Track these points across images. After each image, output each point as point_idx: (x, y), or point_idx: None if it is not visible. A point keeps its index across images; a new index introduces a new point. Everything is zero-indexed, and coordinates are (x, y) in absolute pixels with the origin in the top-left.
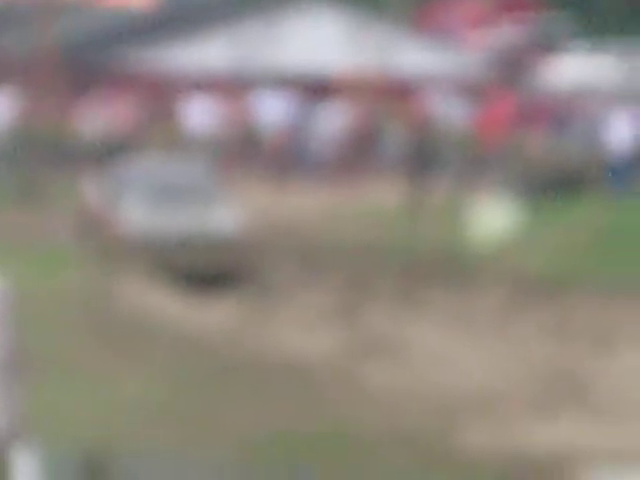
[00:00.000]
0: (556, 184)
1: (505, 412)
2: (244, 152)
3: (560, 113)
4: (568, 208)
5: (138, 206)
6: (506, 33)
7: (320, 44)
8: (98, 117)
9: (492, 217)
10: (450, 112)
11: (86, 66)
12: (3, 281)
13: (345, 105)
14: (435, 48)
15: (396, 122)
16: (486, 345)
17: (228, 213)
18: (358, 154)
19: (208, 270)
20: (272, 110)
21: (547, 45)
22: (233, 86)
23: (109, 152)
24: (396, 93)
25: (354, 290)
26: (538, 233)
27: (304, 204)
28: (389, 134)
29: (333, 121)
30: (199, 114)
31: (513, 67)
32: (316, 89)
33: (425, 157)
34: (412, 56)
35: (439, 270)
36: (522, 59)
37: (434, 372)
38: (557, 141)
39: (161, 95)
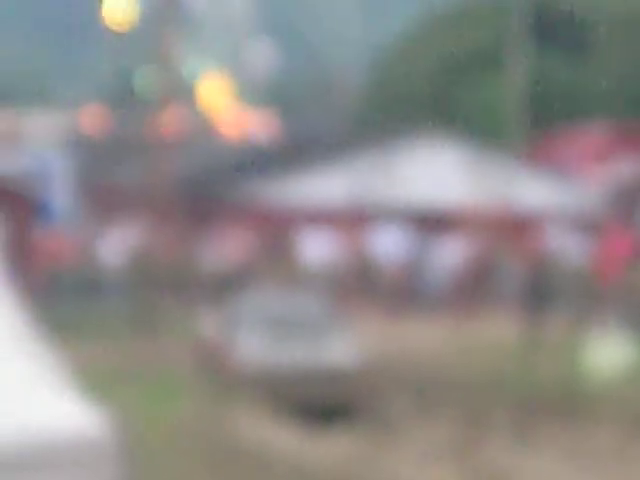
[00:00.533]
0: None
1: None
2: (361, 285)
3: None
4: None
5: (255, 339)
6: (624, 168)
7: (437, 177)
8: (218, 250)
9: (609, 353)
10: (567, 247)
11: (206, 199)
12: (116, 413)
13: (463, 239)
14: (553, 182)
15: (513, 256)
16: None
17: (344, 346)
18: (475, 288)
19: (324, 403)
20: (389, 243)
21: None
22: (350, 220)
23: (226, 285)
24: (513, 227)
25: (470, 425)
26: None
27: (421, 337)
28: (506, 268)
29: (450, 255)
30: (316, 248)
31: (631, 202)
32: (433, 223)
33: (542, 292)
34: (529, 191)
35: (556, 406)
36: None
37: None
38: None
39: (279, 229)
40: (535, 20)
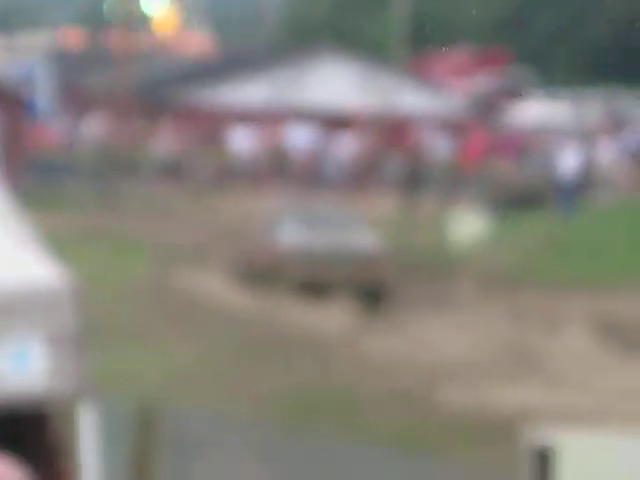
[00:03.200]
0: (518, 201)
1: (475, 377)
2: (277, 170)
3: (523, 146)
4: (527, 220)
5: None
6: (482, 82)
7: (337, 86)
8: (164, 141)
9: (468, 226)
10: (438, 143)
11: (157, 101)
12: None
13: (357, 135)
14: (427, 92)
15: (395, 150)
16: (460, 323)
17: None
18: (365, 174)
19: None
20: (300, 138)
21: (513, 92)
22: (269, 119)
23: (170, 167)
24: (396, 127)
25: None
26: (504, 239)
27: None
28: (390, 159)
29: (347, 148)
30: (242, 141)
31: (487, 109)
32: (334, 122)
33: (417, 178)
34: (409, 98)
35: (427, 265)
36: (494, 103)
37: (423, 344)
38: (520, 168)
39: (213, 125)
40: None
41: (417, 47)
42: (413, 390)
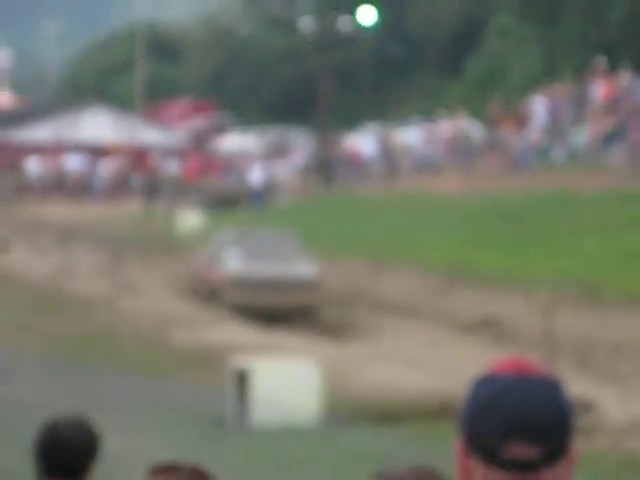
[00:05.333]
0: (224, 203)
1: (194, 323)
2: (58, 186)
3: (226, 166)
4: (230, 215)
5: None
6: (198, 122)
7: (100, 128)
8: None
9: (190, 220)
10: (168, 165)
11: None
12: None
13: (114, 160)
14: (160, 130)
15: (139, 170)
16: (182, 284)
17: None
18: (119, 187)
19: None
20: (76, 163)
21: (219, 129)
22: (53, 150)
23: None
24: (139, 155)
25: (115, 257)
26: (215, 228)
27: (91, 213)
28: (135, 177)
29: (107, 168)
30: (34, 166)
31: (201, 141)
32: (97, 152)
33: (154, 190)
34: (148, 134)
35: (162, 248)
36: (206, 137)
37: (156, 302)
38: (224, 180)
39: (14, 155)
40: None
41: (152, 99)
42: (152, 332)
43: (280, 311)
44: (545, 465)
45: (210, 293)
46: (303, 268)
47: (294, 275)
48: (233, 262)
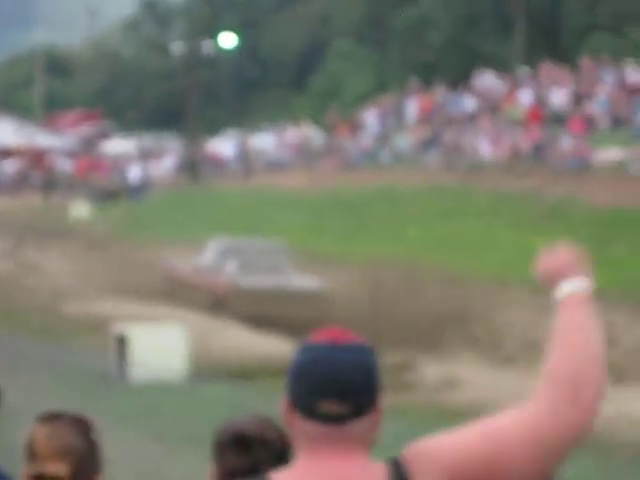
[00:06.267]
0: (108, 196)
1: (85, 297)
2: None
3: (110, 165)
4: (114, 206)
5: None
6: (87, 129)
7: (4, 133)
8: None
9: (81, 210)
10: (63, 164)
11: None
12: None
13: (16, 160)
14: (56, 135)
15: (38, 169)
16: (75, 266)
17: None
18: (21, 182)
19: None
20: None
21: (105, 135)
22: None
23: None
24: (38, 155)
25: (18, 241)
26: (101, 217)
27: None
28: (35, 174)
29: (10, 167)
30: None
31: (91, 145)
32: (2, 153)
33: (51, 184)
34: (45, 138)
35: (56, 233)
36: (94, 141)
37: (53, 278)
38: (109, 177)
39: None
40: None
41: (49, 110)
42: (48, 304)
43: (288, 322)
44: (353, 418)
45: (214, 302)
46: (309, 280)
47: (302, 287)
48: (238, 272)
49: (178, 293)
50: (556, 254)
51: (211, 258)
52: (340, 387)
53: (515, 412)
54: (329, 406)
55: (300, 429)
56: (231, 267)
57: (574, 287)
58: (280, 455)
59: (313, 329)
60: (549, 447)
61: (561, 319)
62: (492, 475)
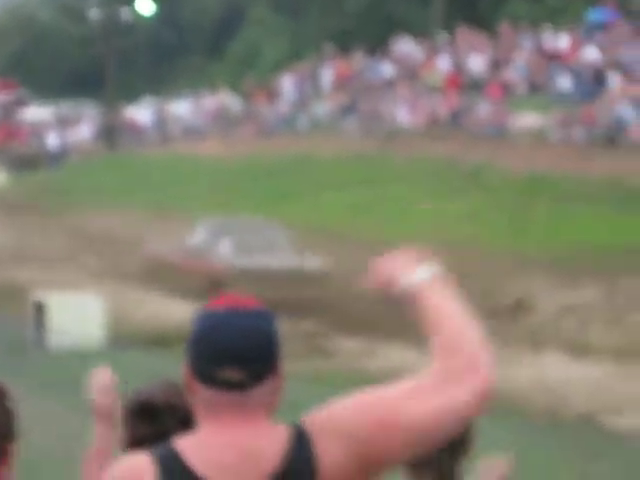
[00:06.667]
0: (27, 163)
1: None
2: None
3: (28, 132)
4: (33, 174)
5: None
6: (3, 97)
7: None
8: None
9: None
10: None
11: None
12: None
13: None
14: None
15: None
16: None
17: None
18: None
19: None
20: None
21: (22, 103)
22: None
23: None
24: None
25: None
26: (19, 184)
27: None
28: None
29: None
30: None
31: (7, 113)
32: None
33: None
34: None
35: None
36: (11, 109)
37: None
38: (27, 145)
39: None
40: None
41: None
42: None
43: (292, 303)
44: (254, 384)
45: (209, 286)
46: (311, 260)
47: (305, 267)
48: (235, 253)
49: (166, 279)
50: (389, 259)
51: (202, 239)
52: (239, 353)
53: (411, 380)
54: (229, 373)
55: (201, 396)
56: (224, 247)
57: (421, 276)
58: (186, 421)
59: (319, 311)
60: (445, 413)
61: (426, 305)
62: (390, 440)
